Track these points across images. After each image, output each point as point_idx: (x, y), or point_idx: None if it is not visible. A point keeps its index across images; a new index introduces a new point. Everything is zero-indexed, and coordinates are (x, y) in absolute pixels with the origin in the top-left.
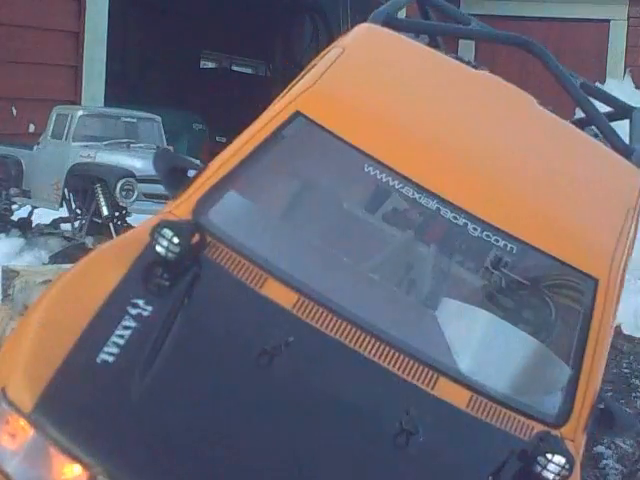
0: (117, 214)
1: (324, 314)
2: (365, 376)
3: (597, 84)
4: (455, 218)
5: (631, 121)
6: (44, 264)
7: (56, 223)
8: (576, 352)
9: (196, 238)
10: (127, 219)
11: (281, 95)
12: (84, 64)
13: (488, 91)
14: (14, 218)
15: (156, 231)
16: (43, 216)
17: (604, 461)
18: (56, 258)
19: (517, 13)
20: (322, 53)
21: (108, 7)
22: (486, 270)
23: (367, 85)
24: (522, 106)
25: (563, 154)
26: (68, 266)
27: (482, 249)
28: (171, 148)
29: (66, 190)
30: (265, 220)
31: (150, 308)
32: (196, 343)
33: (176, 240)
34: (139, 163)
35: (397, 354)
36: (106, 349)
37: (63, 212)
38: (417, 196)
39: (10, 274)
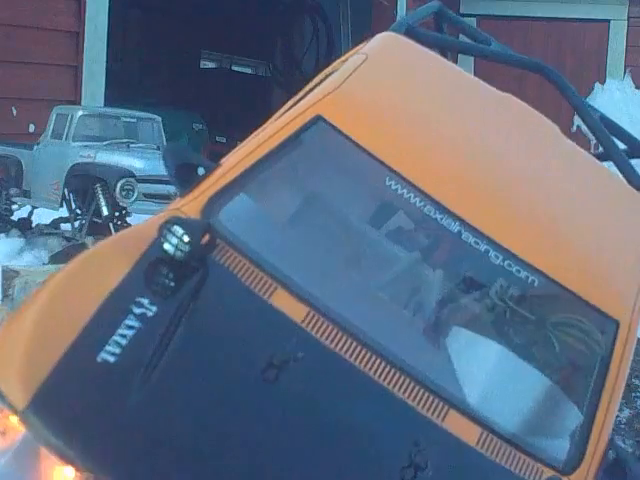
0: (117, 214)
1: (334, 331)
2: (374, 401)
3: (597, 84)
4: (477, 243)
5: None
6: (44, 264)
7: (56, 223)
8: (591, 397)
9: (206, 238)
10: (127, 219)
11: (296, 97)
12: (84, 64)
13: (513, 115)
14: (14, 218)
15: (165, 227)
16: (43, 216)
17: None
18: (56, 258)
19: (517, 13)
20: (342, 58)
21: (108, 7)
22: (502, 300)
23: (392, 94)
24: (546, 135)
25: (587, 188)
26: None
27: (501, 278)
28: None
29: (66, 190)
30: (277, 226)
31: (155, 308)
32: (201, 350)
33: (186, 239)
34: (139, 163)
35: (408, 381)
36: (108, 348)
37: (63, 212)
38: (438, 216)
39: (10, 274)
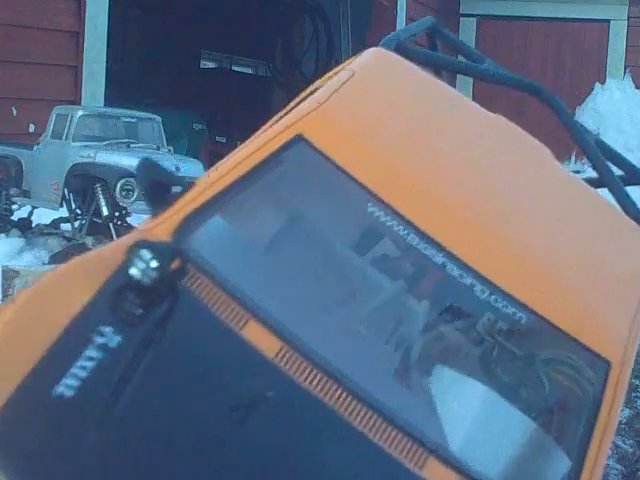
0: (117, 214)
1: (308, 369)
2: (348, 445)
3: (597, 84)
4: (462, 276)
5: None
6: (44, 264)
7: (56, 223)
8: (580, 442)
9: (176, 264)
10: (127, 219)
11: (280, 114)
12: (84, 64)
13: (503, 138)
14: (14, 218)
15: (132, 251)
16: (43, 216)
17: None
18: (56, 258)
19: (517, 13)
20: (328, 74)
21: (108, 7)
22: (490, 336)
23: (377, 114)
24: (538, 160)
25: (580, 218)
26: None
27: (488, 313)
28: (171, 148)
29: (66, 190)
30: (253, 253)
31: (118, 338)
32: (165, 386)
33: (154, 264)
34: None
35: (385, 425)
36: (65, 381)
37: (63, 212)
38: (422, 246)
39: (10, 274)
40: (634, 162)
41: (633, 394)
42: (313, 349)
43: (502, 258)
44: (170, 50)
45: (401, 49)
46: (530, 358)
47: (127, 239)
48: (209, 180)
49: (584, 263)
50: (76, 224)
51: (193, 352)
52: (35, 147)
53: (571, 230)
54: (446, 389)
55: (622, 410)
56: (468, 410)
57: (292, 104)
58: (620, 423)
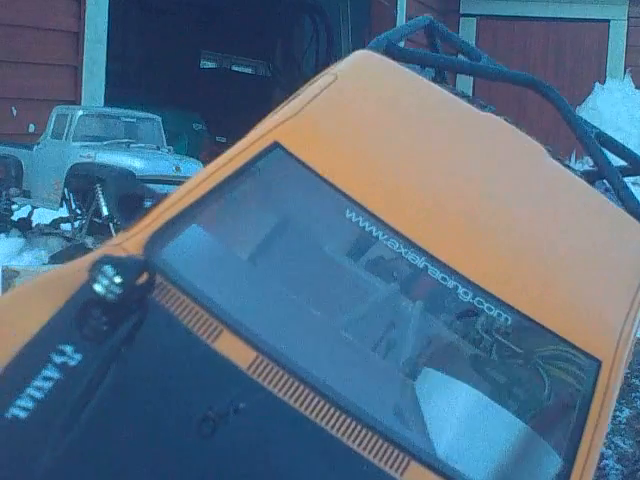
0: None
1: (284, 378)
2: (325, 456)
3: (597, 84)
4: (444, 279)
5: None
6: (44, 264)
7: (56, 223)
8: (571, 441)
9: (143, 278)
10: None
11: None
12: (84, 64)
13: (494, 138)
14: (14, 218)
15: (96, 267)
16: (43, 216)
17: (604, 461)
18: (56, 258)
19: (517, 13)
20: (312, 79)
21: (108, 7)
22: (474, 339)
23: (358, 120)
24: (530, 158)
25: (572, 214)
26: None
27: (476, 316)
28: (171, 148)
29: (66, 190)
30: (228, 262)
31: (78, 357)
32: (130, 402)
33: (118, 279)
34: (139, 163)
35: (365, 431)
36: (19, 402)
37: (63, 212)
38: (403, 250)
39: (10, 274)
40: (631, 181)
41: (633, 394)
42: (289, 357)
43: (490, 261)
44: (170, 50)
45: (391, 50)
46: (519, 358)
47: (91, 256)
48: (182, 191)
49: (576, 256)
50: (76, 224)
51: (161, 366)
52: (35, 147)
53: (562, 226)
54: (431, 391)
55: (622, 410)
56: (454, 412)
57: (273, 111)
58: (620, 423)
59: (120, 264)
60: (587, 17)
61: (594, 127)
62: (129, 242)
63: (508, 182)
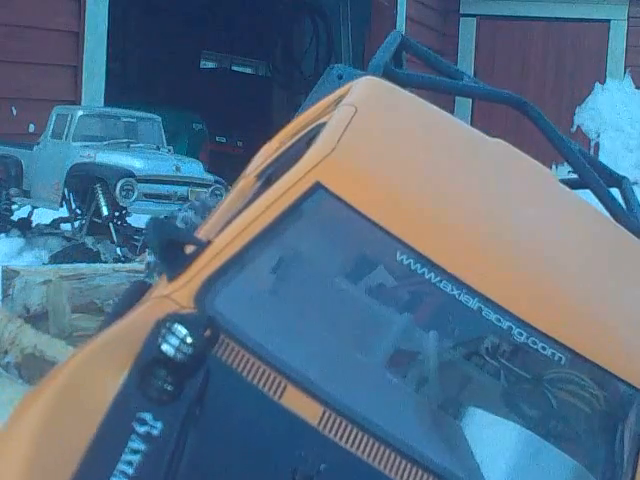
0: (117, 214)
1: (353, 432)
2: None
3: (597, 84)
4: (499, 320)
5: (621, 190)
6: (44, 264)
7: (56, 223)
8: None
9: (207, 334)
10: (127, 219)
11: (270, 142)
12: (84, 64)
13: (512, 167)
14: (14, 218)
15: (164, 326)
16: (43, 216)
17: None
18: (56, 258)
19: (517, 13)
20: (326, 100)
21: (108, 7)
22: (519, 376)
23: (390, 153)
24: (543, 184)
25: (596, 244)
26: (68, 266)
27: (526, 355)
28: (171, 148)
29: (66, 190)
30: (281, 312)
31: (159, 425)
32: (213, 468)
33: (189, 340)
34: (139, 163)
35: None
36: None
37: (63, 212)
38: (456, 292)
39: (10, 274)
40: (634, 162)
41: None
42: (354, 410)
43: (538, 298)
44: (170, 50)
45: (388, 73)
46: (561, 392)
47: (149, 308)
48: (226, 237)
49: (609, 287)
50: (76, 224)
51: (236, 428)
52: (35, 147)
53: (589, 253)
54: (479, 431)
55: None
56: (504, 452)
57: (288, 134)
58: None
59: (189, 322)
60: (587, 17)
61: (576, 145)
62: (179, 293)
63: (532, 208)
